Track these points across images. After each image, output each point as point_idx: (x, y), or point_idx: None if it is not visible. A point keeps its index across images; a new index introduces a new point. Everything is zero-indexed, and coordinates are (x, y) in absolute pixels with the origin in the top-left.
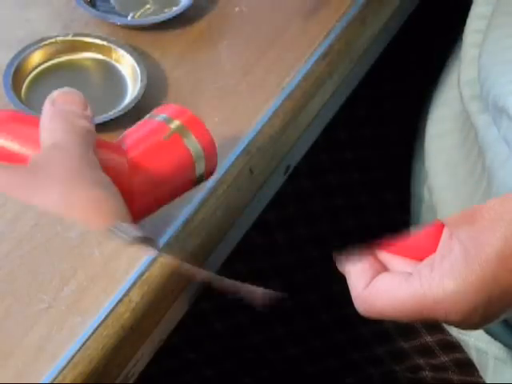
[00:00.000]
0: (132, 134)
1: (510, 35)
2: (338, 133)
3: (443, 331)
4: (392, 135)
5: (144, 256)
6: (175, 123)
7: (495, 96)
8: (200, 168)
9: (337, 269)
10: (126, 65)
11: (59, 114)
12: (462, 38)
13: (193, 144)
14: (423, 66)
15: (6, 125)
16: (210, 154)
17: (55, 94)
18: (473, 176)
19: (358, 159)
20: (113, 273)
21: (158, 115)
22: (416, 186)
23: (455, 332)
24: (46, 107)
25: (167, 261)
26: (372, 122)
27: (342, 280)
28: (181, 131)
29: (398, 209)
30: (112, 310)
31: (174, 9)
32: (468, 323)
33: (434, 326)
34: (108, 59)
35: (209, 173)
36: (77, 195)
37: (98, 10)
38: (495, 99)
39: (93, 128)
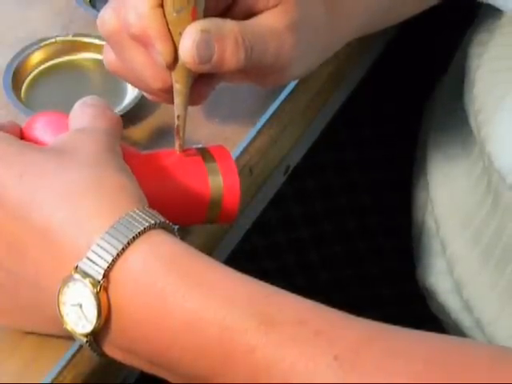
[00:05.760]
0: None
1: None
2: (338, 133)
3: None
4: (392, 136)
5: None
6: (203, 150)
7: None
8: (215, 197)
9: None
10: None
11: (90, 105)
12: (461, 46)
13: (213, 169)
14: (424, 67)
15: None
16: (230, 188)
17: (84, 98)
18: (476, 191)
19: (359, 160)
20: None
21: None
22: (418, 195)
23: None
24: (77, 104)
25: None
26: (372, 122)
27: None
28: (205, 155)
29: (398, 209)
30: None
31: None
32: None
33: None
34: None
35: (224, 213)
36: (104, 178)
37: (98, 11)
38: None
39: (120, 121)
